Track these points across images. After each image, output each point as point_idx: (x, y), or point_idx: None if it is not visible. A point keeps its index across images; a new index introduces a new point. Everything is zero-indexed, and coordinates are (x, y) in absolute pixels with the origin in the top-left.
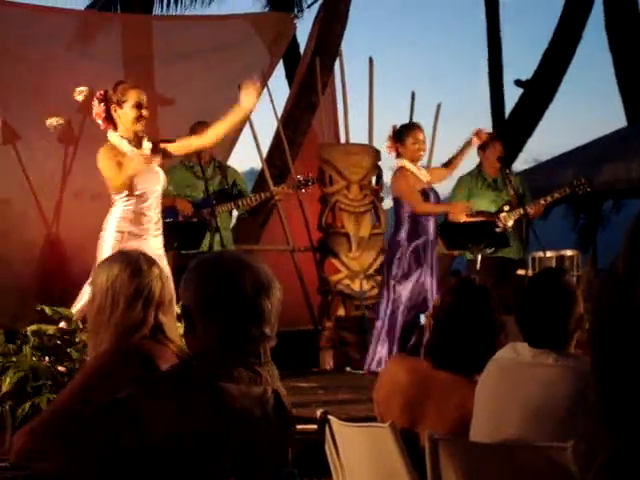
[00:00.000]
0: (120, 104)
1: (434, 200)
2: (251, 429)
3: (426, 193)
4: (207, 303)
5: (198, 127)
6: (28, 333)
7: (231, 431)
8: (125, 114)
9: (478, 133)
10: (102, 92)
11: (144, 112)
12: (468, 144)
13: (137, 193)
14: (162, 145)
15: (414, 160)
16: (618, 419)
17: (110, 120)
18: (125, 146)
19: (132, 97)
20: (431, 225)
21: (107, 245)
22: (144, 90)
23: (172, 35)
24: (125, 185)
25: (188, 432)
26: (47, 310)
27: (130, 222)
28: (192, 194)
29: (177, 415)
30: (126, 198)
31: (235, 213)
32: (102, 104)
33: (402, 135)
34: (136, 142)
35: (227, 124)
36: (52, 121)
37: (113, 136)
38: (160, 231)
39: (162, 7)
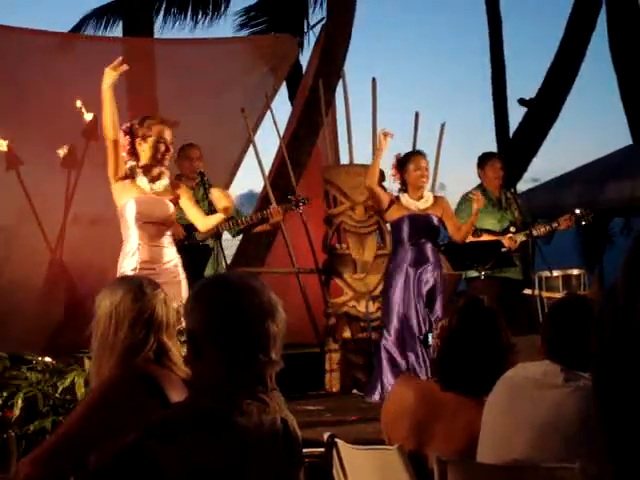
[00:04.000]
0: (145, 138)
1: (408, 228)
2: (263, 461)
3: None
4: (213, 328)
5: (189, 149)
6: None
7: (246, 466)
8: (147, 149)
9: (384, 134)
10: (127, 125)
11: (161, 147)
12: (379, 151)
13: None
14: (179, 194)
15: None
16: (620, 440)
17: (134, 153)
18: (140, 180)
19: (155, 132)
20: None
21: None
22: (147, 113)
23: (175, 58)
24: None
25: (204, 471)
26: None
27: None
28: (183, 215)
29: (193, 456)
30: None
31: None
32: (127, 137)
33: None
34: (153, 177)
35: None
36: (61, 151)
37: (130, 164)
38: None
39: (164, 28)
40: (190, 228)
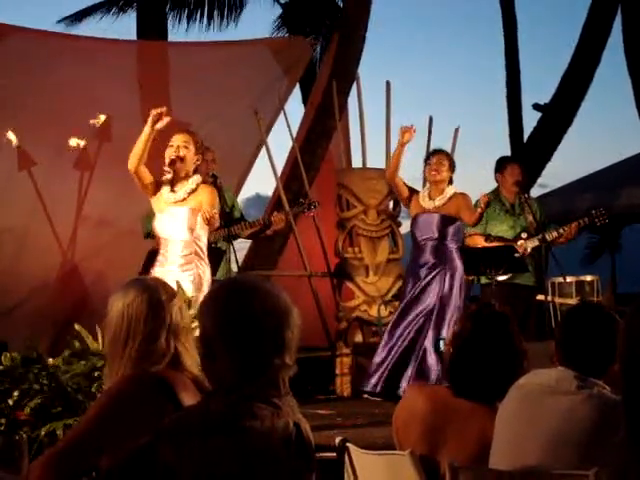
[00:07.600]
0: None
1: (421, 226)
2: (276, 465)
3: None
4: (228, 332)
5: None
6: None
7: (258, 470)
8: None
9: (403, 131)
10: None
11: (171, 153)
12: (399, 145)
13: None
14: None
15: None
16: None
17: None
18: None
19: (172, 140)
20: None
21: None
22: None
23: (188, 61)
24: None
25: (216, 474)
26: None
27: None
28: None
29: (205, 460)
30: None
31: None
32: None
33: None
34: (175, 182)
35: None
36: (73, 142)
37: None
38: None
39: (178, 28)
40: None
